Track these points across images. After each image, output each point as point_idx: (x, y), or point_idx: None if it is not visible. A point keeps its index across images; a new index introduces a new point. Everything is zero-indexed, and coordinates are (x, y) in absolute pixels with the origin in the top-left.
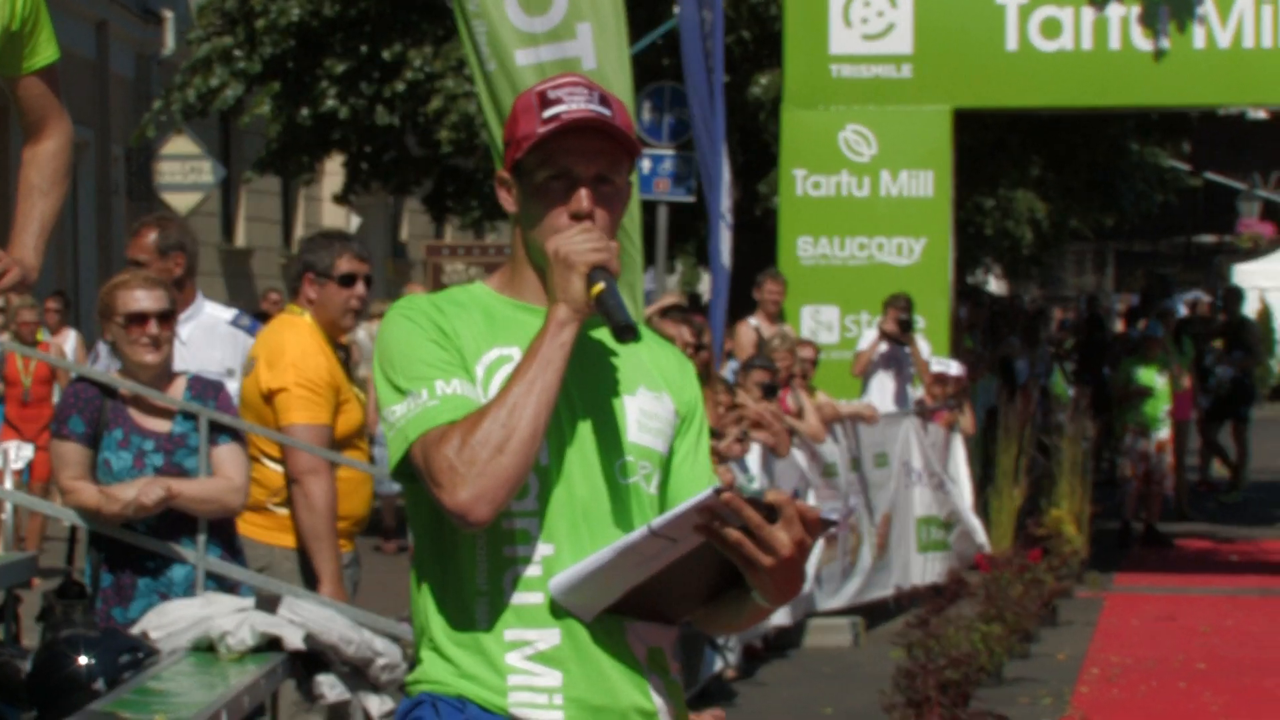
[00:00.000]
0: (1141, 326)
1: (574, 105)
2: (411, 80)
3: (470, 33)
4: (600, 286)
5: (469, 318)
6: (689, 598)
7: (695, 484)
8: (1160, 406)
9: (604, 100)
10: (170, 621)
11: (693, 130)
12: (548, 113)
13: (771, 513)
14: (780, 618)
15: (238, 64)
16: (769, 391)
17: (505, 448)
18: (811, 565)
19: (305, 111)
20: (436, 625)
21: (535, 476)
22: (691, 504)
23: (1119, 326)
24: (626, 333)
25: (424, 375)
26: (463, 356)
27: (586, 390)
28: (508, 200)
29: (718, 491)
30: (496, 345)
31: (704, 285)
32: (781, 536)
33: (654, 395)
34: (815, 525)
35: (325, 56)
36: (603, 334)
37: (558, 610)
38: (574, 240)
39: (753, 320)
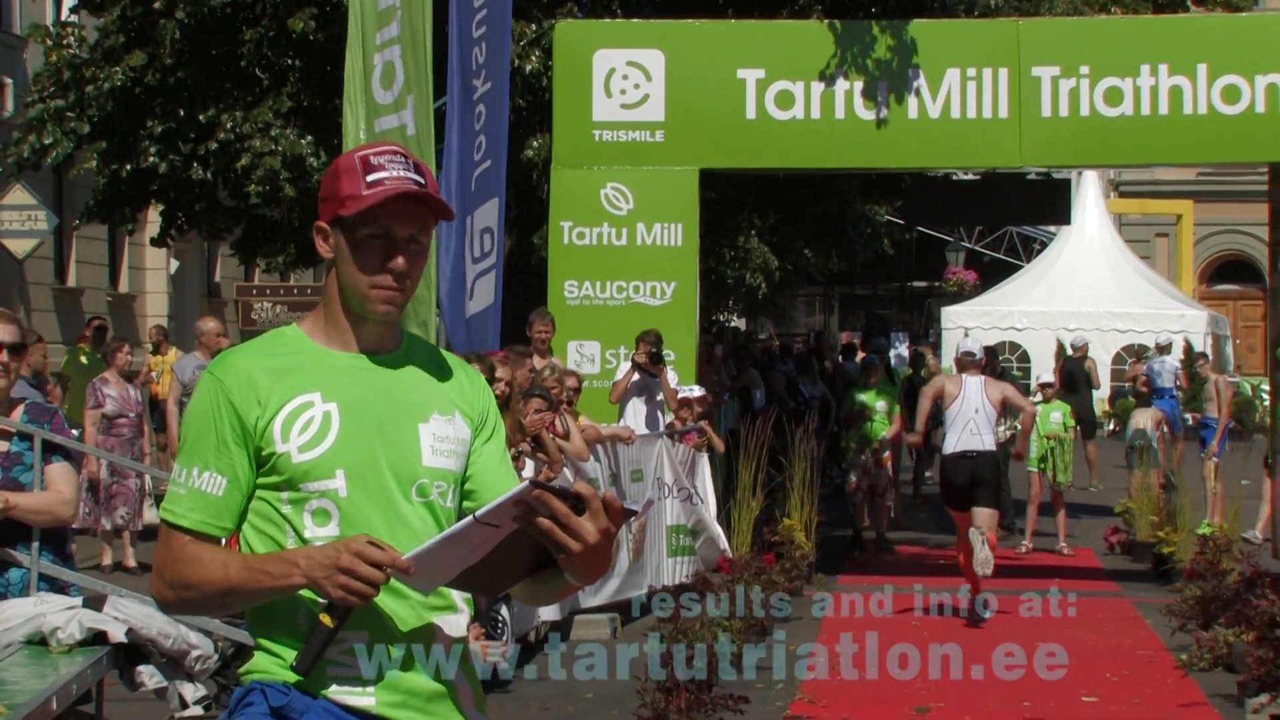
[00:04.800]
0: (859, 360)
1: (394, 173)
2: (223, 140)
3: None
4: (325, 619)
5: (276, 368)
6: (511, 574)
7: (499, 474)
8: (880, 428)
9: (418, 169)
10: (6, 619)
11: (448, 182)
12: (371, 177)
13: (579, 504)
14: (550, 614)
15: (69, 124)
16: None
17: (192, 603)
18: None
19: (128, 166)
20: (265, 627)
21: (336, 507)
22: (508, 496)
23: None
24: (299, 670)
25: (190, 457)
26: (243, 430)
27: (384, 424)
28: (324, 247)
29: (532, 485)
30: (300, 393)
31: None
32: (588, 525)
33: (446, 419)
34: (619, 514)
35: (147, 118)
36: (399, 367)
37: (365, 614)
38: (346, 576)
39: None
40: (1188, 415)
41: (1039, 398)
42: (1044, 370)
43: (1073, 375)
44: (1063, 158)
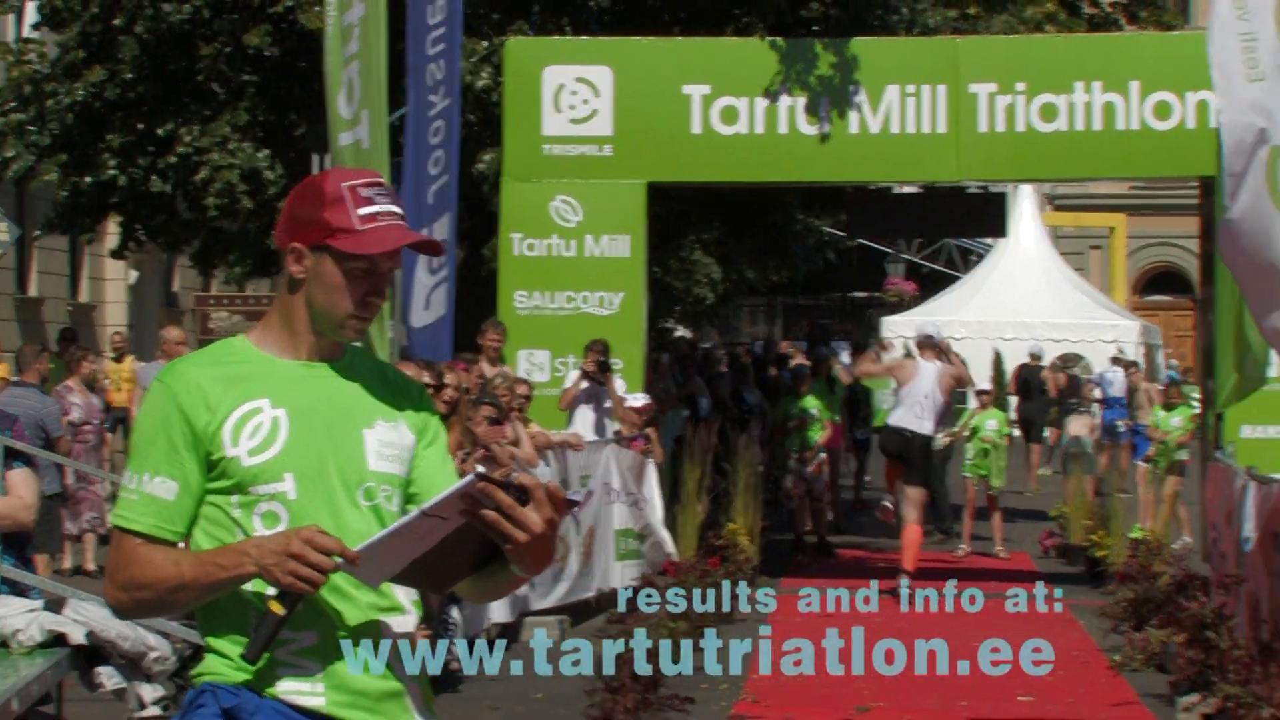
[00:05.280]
0: (792, 366)
1: (383, 207)
2: (182, 153)
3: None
4: (275, 606)
5: (225, 376)
6: (457, 570)
7: (442, 475)
8: (815, 435)
9: (397, 200)
10: None
11: (404, 196)
12: (363, 211)
13: (523, 495)
14: (500, 615)
15: (30, 137)
16: (494, 423)
17: (146, 603)
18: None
19: (89, 179)
20: (215, 630)
21: (286, 510)
22: (455, 489)
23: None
24: (248, 659)
25: (141, 463)
26: (194, 435)
27: (332, 429)
28: (298, 269)
29: (477, 477)
30: (249, 399)
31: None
32: (532, 516)
33: (390, 425)
34: (562, 505)
35: (107, 132)
36: (347, 376)
37: (314, 615)
38: (296, 562)
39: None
40: (1120, 424)
41: (975, 405)
42: (980, 379)
43: (1029, 382)
44: (999, 172)
